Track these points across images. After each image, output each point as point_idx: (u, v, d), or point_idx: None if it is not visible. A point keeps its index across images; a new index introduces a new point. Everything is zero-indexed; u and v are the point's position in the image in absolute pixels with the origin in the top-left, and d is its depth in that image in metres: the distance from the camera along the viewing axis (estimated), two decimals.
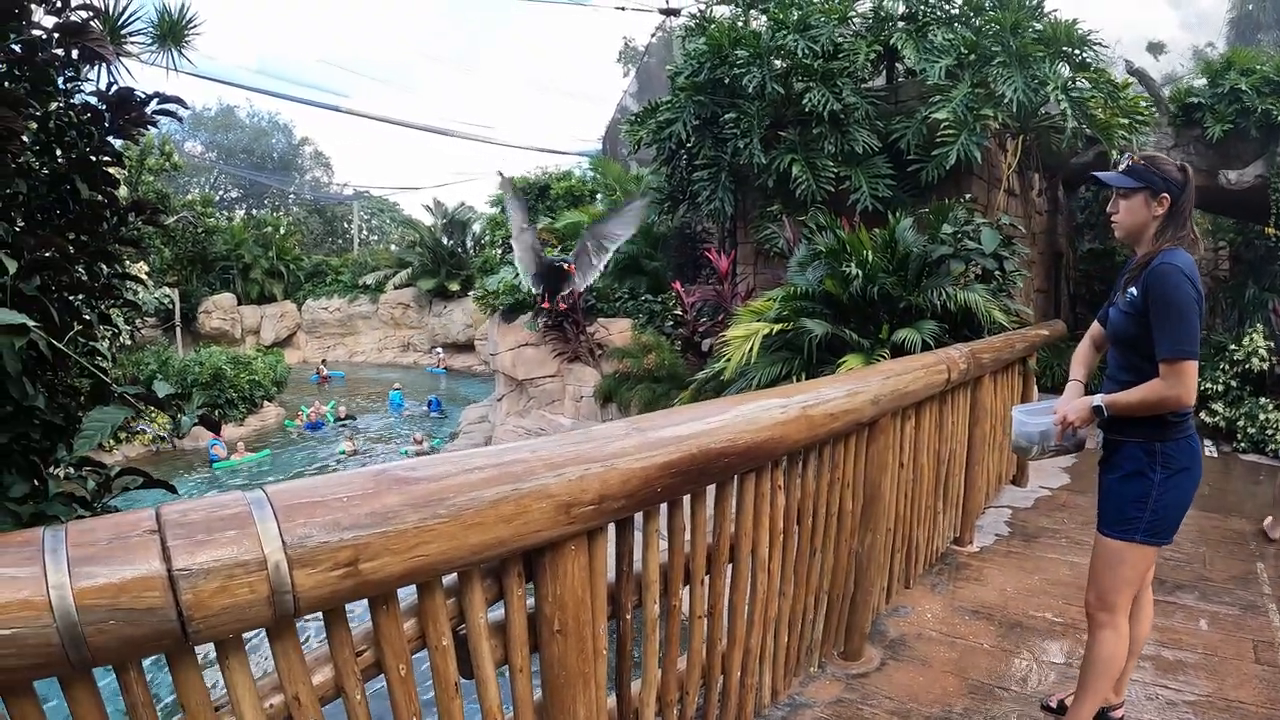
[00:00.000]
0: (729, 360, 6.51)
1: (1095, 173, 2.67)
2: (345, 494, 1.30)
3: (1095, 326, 2.97)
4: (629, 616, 2.08)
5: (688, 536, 2.23)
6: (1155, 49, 24.45)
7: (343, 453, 17.32)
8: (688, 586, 2.29)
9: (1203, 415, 8.83)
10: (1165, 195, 2.52)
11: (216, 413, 17.65)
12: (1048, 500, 6.36)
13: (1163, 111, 10.70)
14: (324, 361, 29.30)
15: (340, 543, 1.24)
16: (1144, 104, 9.32)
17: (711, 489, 2.23)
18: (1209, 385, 8.90)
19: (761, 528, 2.49)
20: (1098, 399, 2.60)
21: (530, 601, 1.75)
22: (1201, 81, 10.88)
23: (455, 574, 1.59)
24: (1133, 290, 2.53)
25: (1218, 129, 10.04)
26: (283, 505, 1.23)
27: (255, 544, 1.17)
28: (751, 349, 6.32)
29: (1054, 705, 3.14)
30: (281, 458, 16.97)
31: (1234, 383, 8.48)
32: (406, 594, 1.57)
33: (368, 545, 1.27)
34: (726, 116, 9.53)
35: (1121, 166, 2.60)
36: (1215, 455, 8.25)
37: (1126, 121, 8.77)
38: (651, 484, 1.78)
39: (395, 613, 1.49)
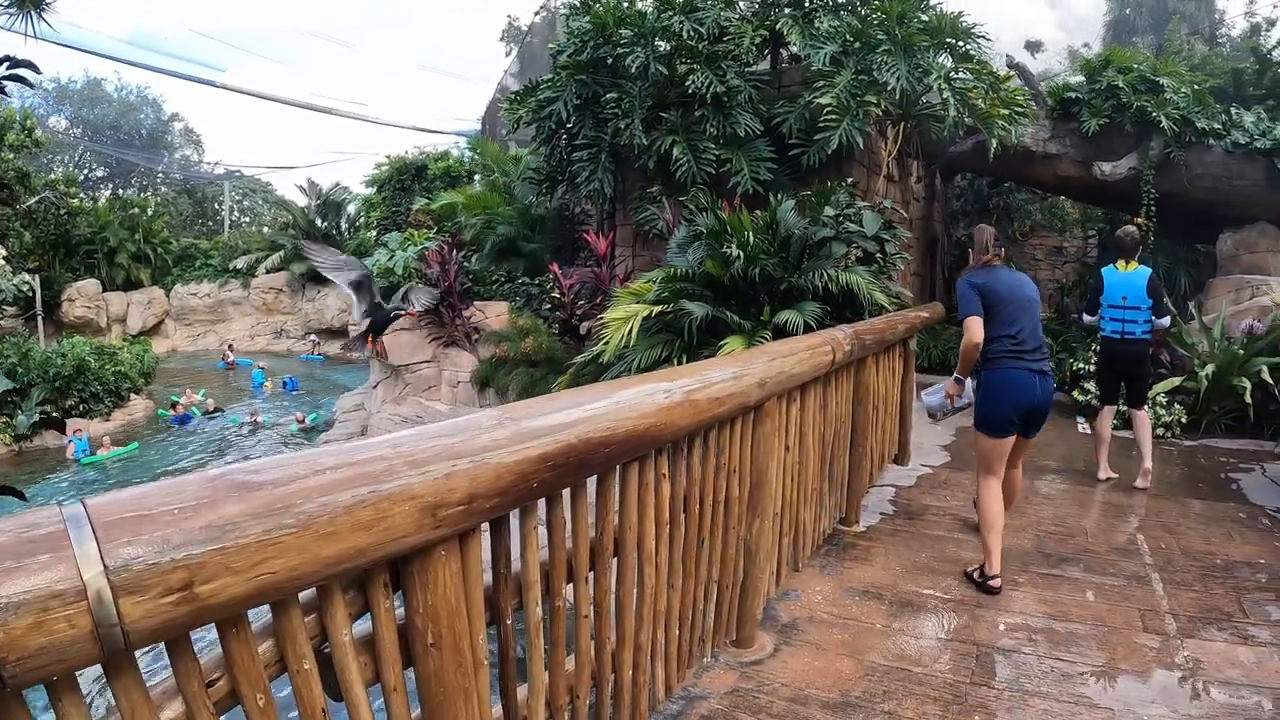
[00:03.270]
0: (608, 343, 6.42)
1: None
2: (176, 505, 1.15)
3: None
4: (510, 621, 1.97)
5: (569, 532, 2.14)
6: (1033, 47, 25.44)
7: (234, 420, 18.00)
8: (571, 585, 2.20)
9: (1075, 394, 9.21)
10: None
11: (81, 406, 16.72)
12: (929, 478, 6.54)
13: (1040, 105, 11.15)
14: (230, 346, 28.02)
15: (172, 564, 1.10)
16: (1023, 97, 9.68)
17: (593, 480, 2.14)
18: (1081, 365, 9.27)
19: (647, 519, 2.42)
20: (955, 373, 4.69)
21: (401, 613, 1.62)
22: (1079, 78, 11.39)
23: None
24: None
25: (1094, 123, 10.58)
26: (103, 522, 1.08)
27: (72, 570, 1.02)
28: (630, 331, 6.25)
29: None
30: (151, 452, 16.12)
31: None
32: (263, 609, 1.43)
33: (203, 565, 1.13)
34: (608, 96, 9.44)
35: None
36: (1089, 432, 8.61)
37: (1007, 113, 9.08)
38: (527, 479, 1.67)
39: (247, 636, 1.34)
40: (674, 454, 2.56)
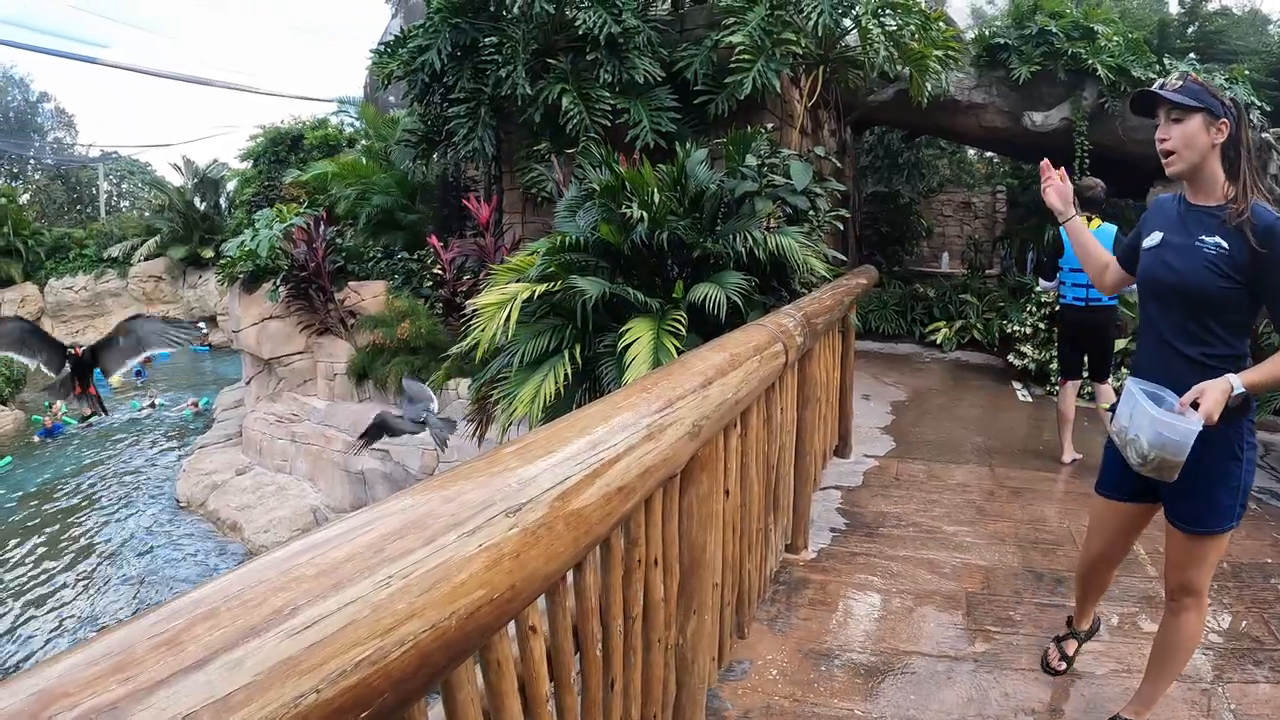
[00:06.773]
0: (483, 331, 5.10)
1: (1148, 88, 2.26)
2: None
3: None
4: None
5: None
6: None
7: (135, 406, 18.02)
8: None
9: (1011, 358, 8.52)
10: (1224, 120, 2.16)
11: None
12: (877, 473, 5.64)
13: (963, 51, 10.44)
14: None
15: None
16: (955, 39, 8.88)
17: None
18: (1017, 328, 8.59)
19: (508, 713, 1.31)
20: (1237, 384, 2.11)
21: None
22: (1003, 24, 10.83)
23: None
24: (1218, 241, 2.15)
25: (1024, 70, 9.90)
26: None
27: None
28: (509, 318, 4.94)
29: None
30: (30, 466, 14.67)
31: (1042, 325, 8.16)
32: None
33: None
34: (487, 41, 8.20)
35: (1175, 84, 2.20)
36: (1030, 400, 7.90)
37: (940, 54, 8.18)
38: None
39: None
40: (550, 592, 1.44)
